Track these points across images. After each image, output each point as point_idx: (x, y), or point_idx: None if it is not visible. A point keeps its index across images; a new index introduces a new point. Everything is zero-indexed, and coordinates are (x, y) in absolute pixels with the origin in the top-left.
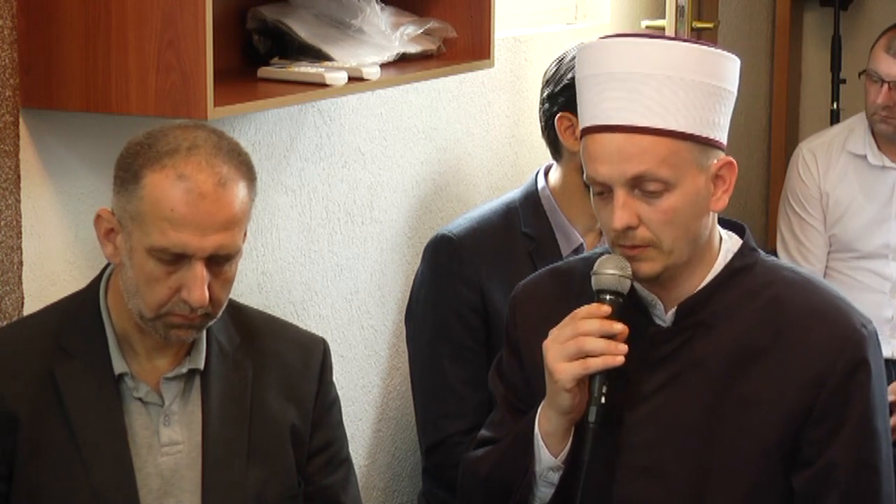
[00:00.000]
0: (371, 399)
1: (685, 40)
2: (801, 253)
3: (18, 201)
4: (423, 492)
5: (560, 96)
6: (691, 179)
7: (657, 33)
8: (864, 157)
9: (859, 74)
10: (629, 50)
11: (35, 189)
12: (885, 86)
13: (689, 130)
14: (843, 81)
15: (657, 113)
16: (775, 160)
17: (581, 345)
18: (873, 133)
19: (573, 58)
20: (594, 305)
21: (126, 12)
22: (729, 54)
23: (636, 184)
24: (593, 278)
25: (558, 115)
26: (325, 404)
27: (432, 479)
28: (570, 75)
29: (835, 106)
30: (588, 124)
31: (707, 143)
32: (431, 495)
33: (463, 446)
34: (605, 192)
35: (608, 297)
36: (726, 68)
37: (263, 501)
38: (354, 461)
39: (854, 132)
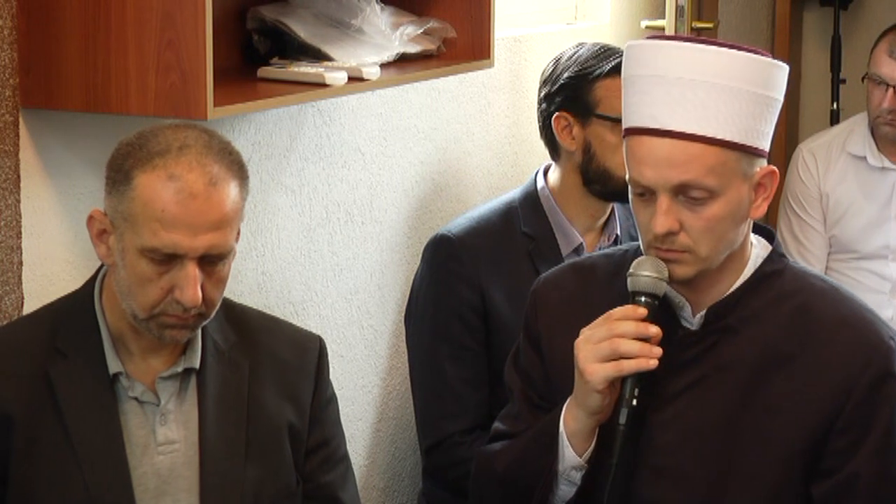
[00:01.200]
0: (371, 399)
1: (734, 46)
2: (800, 254)
3: (18, 201)
4: (422, 492)
5: (557, 96)
6: (736, 188)
7: (710, 39)
8: (864, 158)
9: (862, 79)
10: (682, 54)
11: (35, 189)
12: (891, 90)
13: (738, 140)
14: (843, 81)
15: (707, 121)
16: (775, 160)
17: (616, 346)
18: (873, 134)
19: (569, 58)
20: (630, 307)
21: (126, 12)
22: (779, 63)
23: (681, 190)
24: (629, 279)
25: (555, 114)
26: (321, 402)
27: (432, 479)
28: (566, 75)
29: (835, 106)
30: (634, 125)
31: (753, 152)
32: (431, 495)
33: (463, 446)
34: (646, 194)
35: (644, 299)
36: (776, 77)
37: (261, 500)
38: (354, 461)
39: (854, 133)
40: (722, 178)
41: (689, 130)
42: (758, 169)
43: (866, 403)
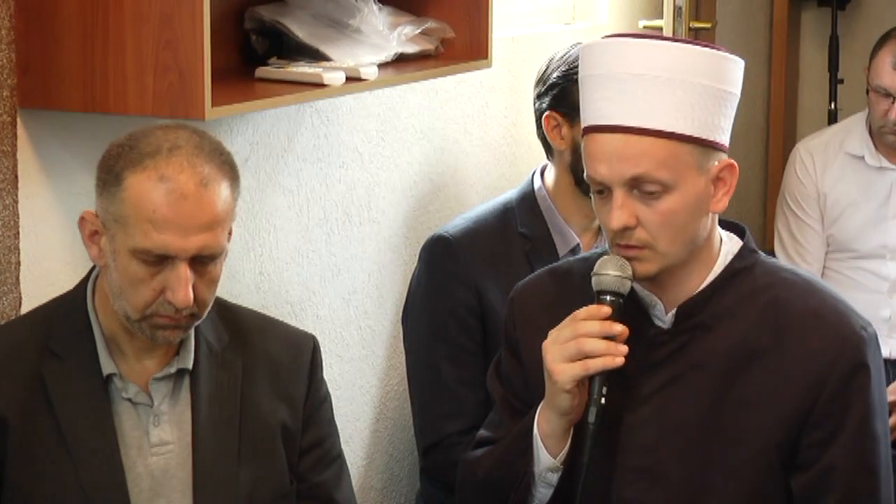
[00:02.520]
0: (368, 399)
1: (686, 41)
2: (798, 253)
3: (16, 201)
4: (420, 492)
5: (546, 96)
6: (691, 181)
7: (658, 34)
8: (862, 157)
9: (867, 91)
10: (630, 50)
11: (33, 189)
12: None
13: (689, 133)
14: (841, 81)
15: (656, 115)
16: (773, 160)
17: (581, 346)
18: (871, 134)
19: (560, 57)
20: (594, 307)
21: (124, 12)
22: (731, 56)
23: (635, 185)
24: (593, 279)
25: (545, 114)
26: (315, 401)
27: (430, 479)
28: (555, 75)
29: (832, 106)
30: (588, 124)
31: (708, 146)
32: (429, 496)
33: (460, 447)
34: (604, 191)
35: (608, 297)
36: (728, 70)
37: (255, 501)
38: (352, 462)
39: (851, 132)
40: (674, 171)
41: (638, 124)
42: (715, 163)
43: (840, 395)
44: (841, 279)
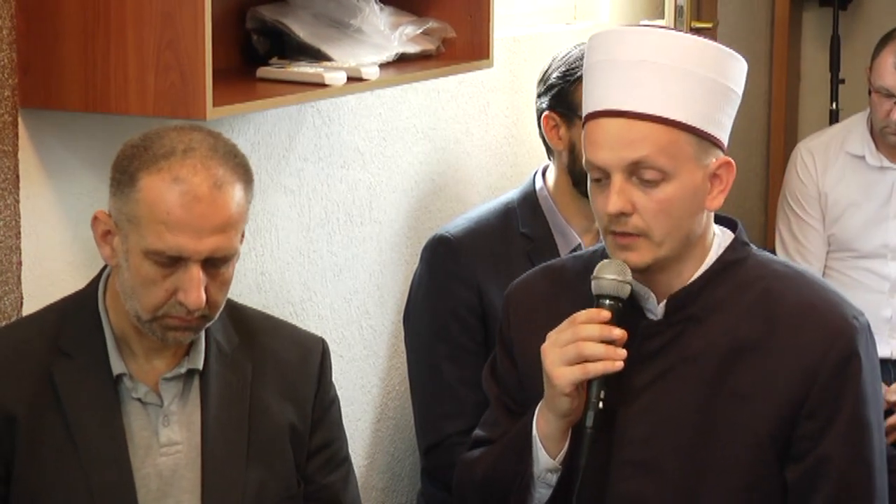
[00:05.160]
0: (370, 399)
1: (694, 34)
2: (799, 253)
3: (17, 201)
4: (421, 492)
5: (545, 96)
6: (689, 173)
7: (666, 25)
8: (863, 157)
9: (868, 92)
10: (636, 38)
11: (34, 189)
12: None
13: (691, 122)
14: (843, 81)
15: (660, 101)
16: (774, 160)
17: (581, 350)
18: (872, 134)
19: (562, 57)
20: (594, 310)
21: (125, 12)
22: (736, 55)
23: (634, 170)
24: (593, 283)
25: (544, 114)
26: (324, 404)
27: (431, 479)
28: (555, 75)
29: (834, 106)
30: (590, 110)
31: (707, 139)
32: (430, 495)
33: (462, 446)
34: (602, 178)
35: (608, 302)
36: (733, 68)
37: (262, 501)
38: (353, 461)
39: (852, 132)
40: (674, 159)
41: (641, 110)
42: (713, 159)
43: (832, 385)
44: (842, 279)
